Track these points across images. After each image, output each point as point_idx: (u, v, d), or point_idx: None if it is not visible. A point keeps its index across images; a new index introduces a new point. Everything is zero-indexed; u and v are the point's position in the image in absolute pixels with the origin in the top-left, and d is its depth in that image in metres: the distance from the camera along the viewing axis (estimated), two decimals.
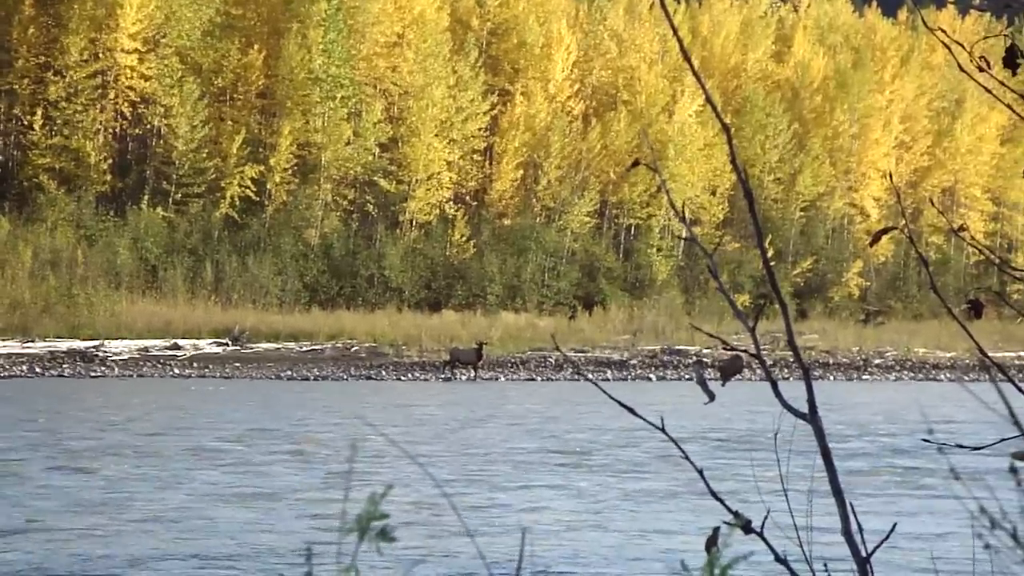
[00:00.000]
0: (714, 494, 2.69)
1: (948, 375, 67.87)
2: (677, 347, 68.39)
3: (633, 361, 66.67)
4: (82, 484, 23.93)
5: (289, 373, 60.50)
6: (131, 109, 76.86)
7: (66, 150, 74.77)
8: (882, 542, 2.77)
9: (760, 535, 2.64)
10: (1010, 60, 3.35)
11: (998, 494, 3.05)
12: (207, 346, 63.73)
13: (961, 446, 3.75)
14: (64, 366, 59.14)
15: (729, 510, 2.56)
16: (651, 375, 64.36)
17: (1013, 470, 2.72)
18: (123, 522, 19.89)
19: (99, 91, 76.11)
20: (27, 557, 17.12)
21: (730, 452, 29.76)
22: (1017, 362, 68.17)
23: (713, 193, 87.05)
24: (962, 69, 3.68)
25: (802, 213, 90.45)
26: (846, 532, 2.58)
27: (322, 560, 2.54)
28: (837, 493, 2.55)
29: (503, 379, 61.90)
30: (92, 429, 33.94)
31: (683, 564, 2.27)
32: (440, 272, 78.77)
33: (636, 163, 2.95)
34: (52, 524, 19.55)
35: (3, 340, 61.35)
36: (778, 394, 2.63)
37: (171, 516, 20.53)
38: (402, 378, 60.94)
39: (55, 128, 74.84)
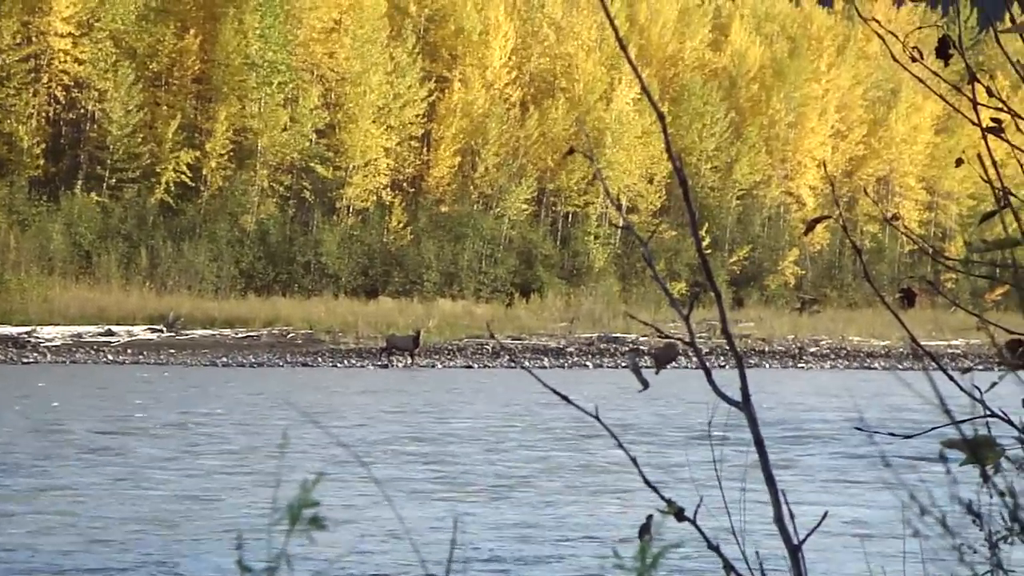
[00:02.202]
0: (648, 482, 2.69)
1: (882, 363, 68.39)
2: (614, 335, 68.58)
3: (570, 349, 66.81)
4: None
5: (224, 360, 60.23)
6: (65, 93, 76.22)
7: None
8: (813, 530, 2.78)
9: (693, 523, 2.64)
10: (942, 51, 3.37)
11: (928, 480, 3.07)
12: (141, 332, 63.34)
13: (892, 435, 3.78)
14: None
15: (662, 498, 2.57)
16: (588, 363, 64.52)
17: (943, 458, 2.75)
18: (51, 511, 19.75)
19: (32, 75, 75.41)
20: None
21: (664, 440, 29.87)
22: (949, 351, 68.79)
23: (650, 181, 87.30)
24: (895, 59, 3.70)
25: (738, 201, 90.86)
26: (778, 519, 2.59)
27: (254, 547, 2.53)
28: (769, 481, 2.56)
29: (440, 366, 61.88)
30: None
31: (615, 552, 2.28)
32: (377, 259, 78.61)
33: (571, 151, 2.95)
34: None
35: None
36: (711, 382, 2.64)
37: (98, 502, 20.39)
38: (338, 365, 60.81)
39: None
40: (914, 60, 3.54)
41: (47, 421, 32.39)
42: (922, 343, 3.20)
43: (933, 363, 3.01)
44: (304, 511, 1.98)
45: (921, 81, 3.78)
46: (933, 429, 3.10)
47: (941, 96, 3.97)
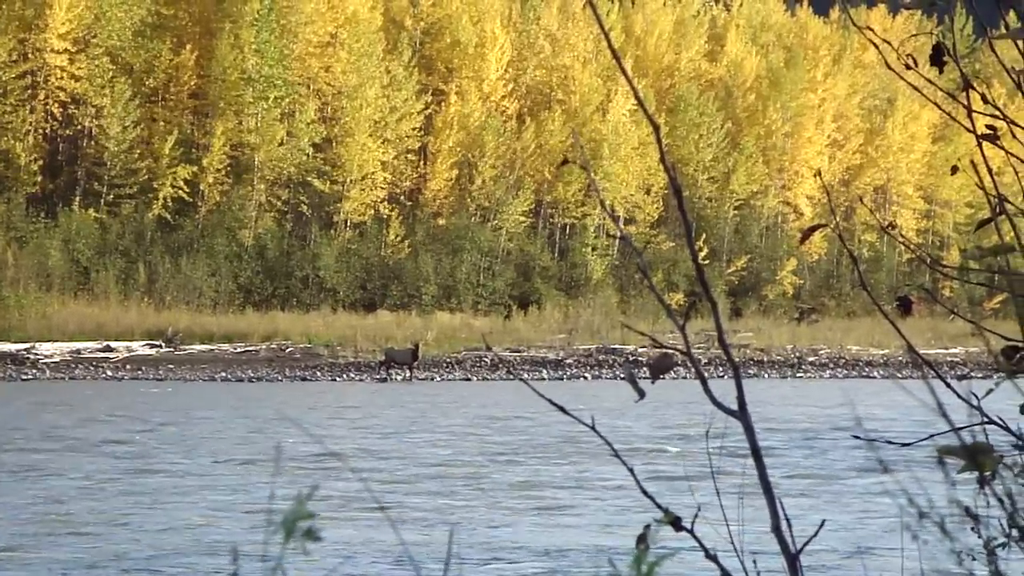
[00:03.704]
0: (645, 492, 2.69)
1: (881, 372, 68.37)
2: (612, 346, 68.54)
3: (568, 360, 66.76)
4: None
5: (223, 374, 60.20)
6: (61, 110, 76.22)
7: None
8: (811, 538, 2.78)
9: (690, 532, 2.64)
10: (936, 58, 3.37)
11: (927, 487, 3.06)
12: (140, 348, 63.31)
13: (891, 442, 3.77)
14: None
15: (659, 507, 2.56)
16: (586, 374, 64.48)
17: (942, 462, 2.74)
18: (37, 521, 19.72)
19: (28, 92, 75.45)
20: None
21: (662, 451, 29.85)
22: (948, 359, 68.77)
23: (648, 192, 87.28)
24: (890, 67, 3.70)
25: (736, 212, 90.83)
26: (776, 528, 2.59)
27: (249, 560, 2.52)
28: (767, 490, 2.55)
29: (438, 379, 61.85)
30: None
31: (610, 561, 2.27)
32: (375, 272, 78.58)
33: (565, 161, 2.95)
34: None
35: None
36: (708, 391, 2.63)
37: (91, 518, 20.36)
38: (337, 379, 60.76)
39: None
40: (909, 68, 3.54)
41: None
42: (920, 351, 3.19)
43: (931, 371, 3.00)
44: (299, 524, 1.97)
45: (916, 89, 3.78)
46: (931, 436, 3.09)
47: (937, 104, 3.97)
